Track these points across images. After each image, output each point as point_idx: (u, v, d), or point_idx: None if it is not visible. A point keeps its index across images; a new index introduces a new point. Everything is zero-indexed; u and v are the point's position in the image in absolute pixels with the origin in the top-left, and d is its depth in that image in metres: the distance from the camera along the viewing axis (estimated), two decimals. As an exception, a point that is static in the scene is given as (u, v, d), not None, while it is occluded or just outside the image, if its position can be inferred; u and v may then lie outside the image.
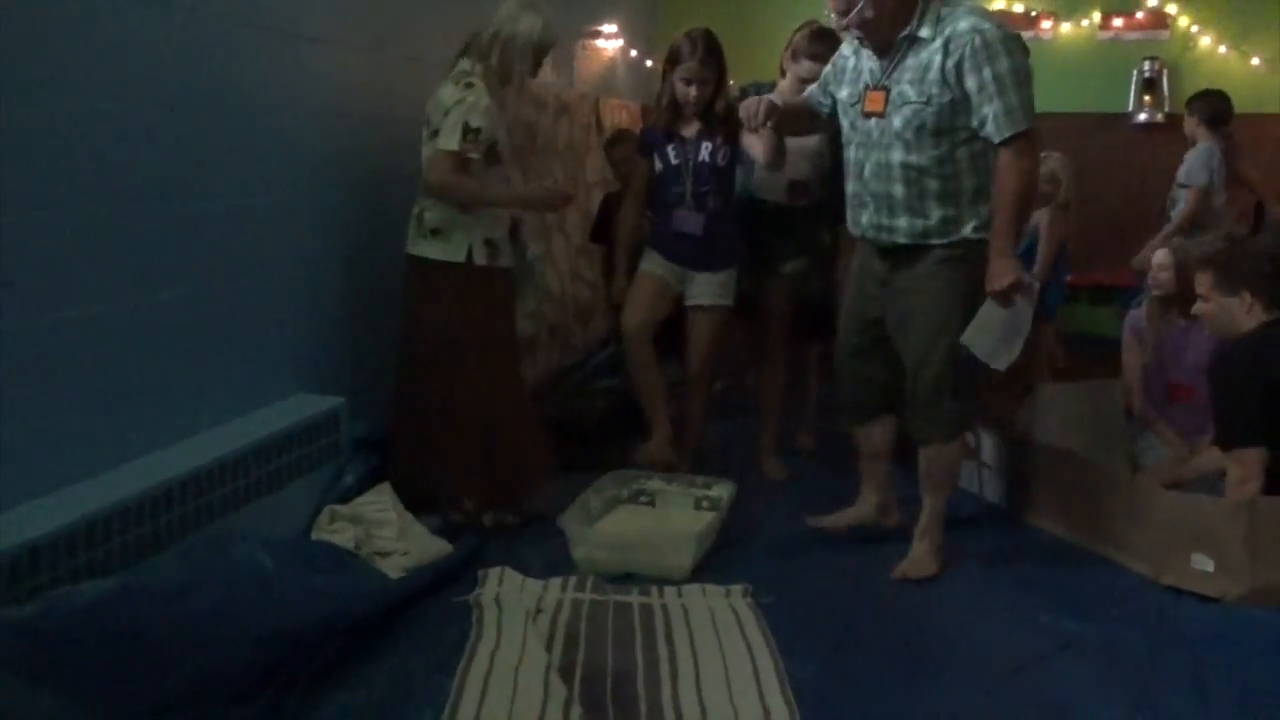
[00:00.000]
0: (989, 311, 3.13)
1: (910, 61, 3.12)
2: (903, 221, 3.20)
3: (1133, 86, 7.03)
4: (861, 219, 3.31)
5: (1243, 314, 3.33)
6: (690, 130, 4.02)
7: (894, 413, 3.47)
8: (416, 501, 3.40)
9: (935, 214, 3.16)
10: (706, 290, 4.07)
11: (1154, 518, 3.33)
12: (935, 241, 3.19)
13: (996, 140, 3.05)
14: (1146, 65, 7.04)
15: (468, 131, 3.34)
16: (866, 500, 3.61)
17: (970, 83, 3.03)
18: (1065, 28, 7.14)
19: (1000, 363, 3.18)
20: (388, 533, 3.20)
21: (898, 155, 3.15)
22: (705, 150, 3.99)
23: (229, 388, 3.12)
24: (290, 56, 3.35)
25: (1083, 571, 3.39)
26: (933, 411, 3.29)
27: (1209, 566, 3.16)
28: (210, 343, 3.02)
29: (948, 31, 3.05)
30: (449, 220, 3.44)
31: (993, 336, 3.16)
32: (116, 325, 2.66)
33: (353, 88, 3.71)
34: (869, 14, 3.09)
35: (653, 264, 4.11)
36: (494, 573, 3.22)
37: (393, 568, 3.08)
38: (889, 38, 3.14)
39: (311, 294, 3.52)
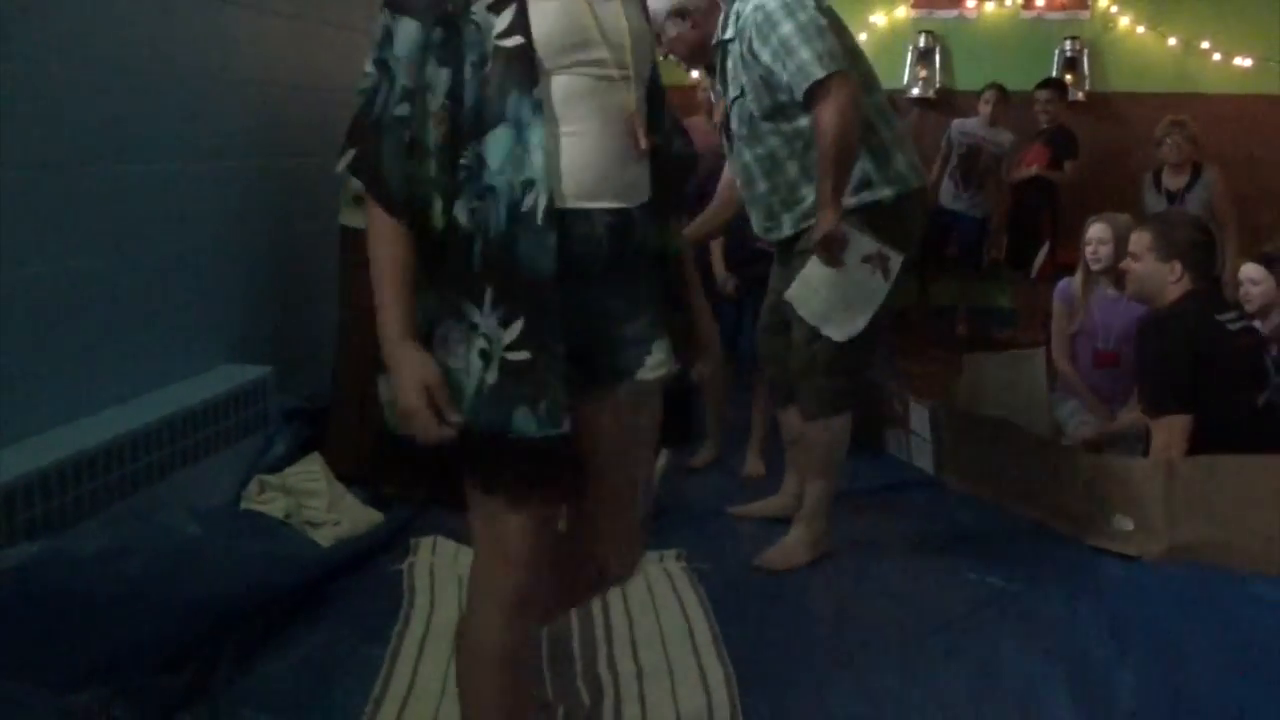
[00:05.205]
0: (813, 269, 3.01)
1: (727, 66, 3.14)
2: (785, 217, 3.14)
3: (1055, 65, 7.15)
4: (754, 224, 3.27)
5: (1171, 282, 3.37)
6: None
7: None
8: (349, 473, 3.36)
9: (807, 196, 3.07)
10: None
11: (1076, 480, 3.41)
12: (814, 222, 3.05)
13: (800, 97, 2.95)
14: (1068, 45, 7.16)
15: None
16: (787, 489, 3.53)
17: (765, 56, 2.98)
18: (989, 7, 7.23)
19: (836, 331, 3.04)
20: (318, 503, 3.16)
21: (747, 154, 3.15)
22: None
23: (154, 357, 3.05)
24: (211, 21, 3.27)
25: (1007, 533, 3.47)
26: (807, 384, 3.17)
27: (1128, 526, 3.24)
28: (134, 312, 2.96)
29: (739, 20, 3.04)
30: None
31: (819, 297, 3.03)
32: (38, 293, 2.59)
33: (277, 55, 3.63)
34: (678, 50, 3.24)
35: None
36: (426, 541, 3.20)
37: (324, 537, 3.05)
38: (711, 55, 3.20)
39: (239, 264, 3.45)
